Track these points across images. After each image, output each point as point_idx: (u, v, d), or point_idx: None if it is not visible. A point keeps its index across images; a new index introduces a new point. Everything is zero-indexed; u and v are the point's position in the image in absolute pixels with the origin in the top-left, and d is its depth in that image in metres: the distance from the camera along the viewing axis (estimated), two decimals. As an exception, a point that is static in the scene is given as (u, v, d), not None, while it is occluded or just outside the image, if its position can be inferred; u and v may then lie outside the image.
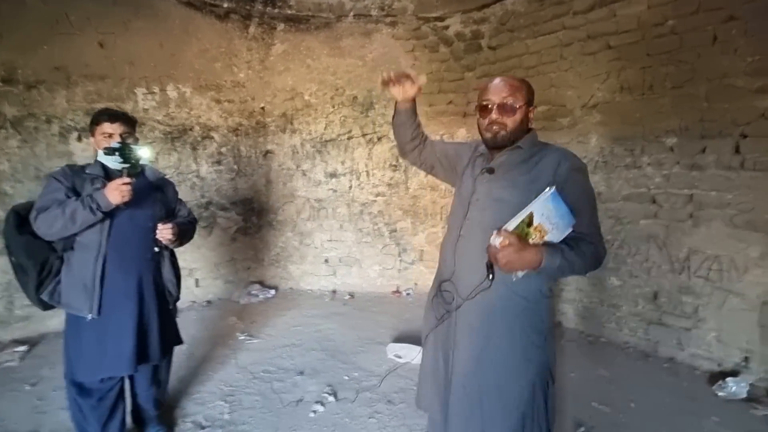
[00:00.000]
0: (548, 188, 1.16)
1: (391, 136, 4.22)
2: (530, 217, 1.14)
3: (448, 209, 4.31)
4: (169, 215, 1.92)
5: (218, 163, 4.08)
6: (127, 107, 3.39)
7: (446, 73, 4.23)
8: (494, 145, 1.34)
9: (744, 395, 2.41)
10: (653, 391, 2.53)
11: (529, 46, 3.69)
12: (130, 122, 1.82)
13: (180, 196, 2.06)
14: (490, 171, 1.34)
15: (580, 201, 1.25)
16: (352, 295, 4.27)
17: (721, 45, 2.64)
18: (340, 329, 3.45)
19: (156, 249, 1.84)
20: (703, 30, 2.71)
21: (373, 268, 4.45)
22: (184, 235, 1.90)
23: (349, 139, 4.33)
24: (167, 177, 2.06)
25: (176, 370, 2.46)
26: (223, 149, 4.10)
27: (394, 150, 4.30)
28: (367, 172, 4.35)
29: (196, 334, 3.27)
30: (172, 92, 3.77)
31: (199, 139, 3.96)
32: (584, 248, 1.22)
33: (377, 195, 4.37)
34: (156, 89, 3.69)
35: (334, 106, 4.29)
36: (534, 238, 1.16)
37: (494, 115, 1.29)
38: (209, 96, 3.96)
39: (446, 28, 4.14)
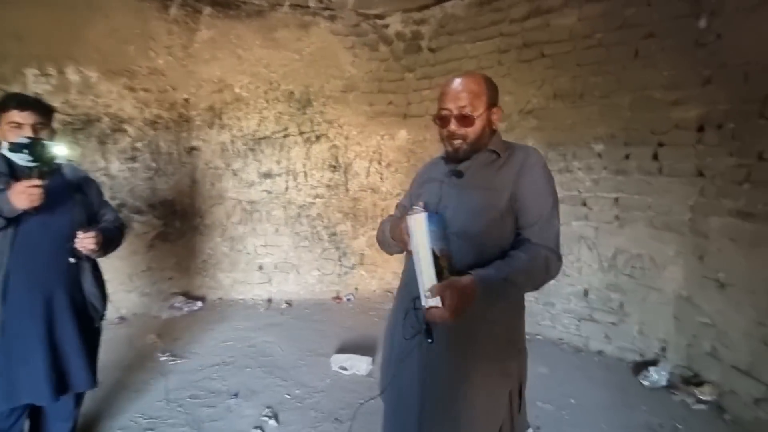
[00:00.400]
0: (419, 214, 1.04)
1: (331, 135, 4.08)
2: (433, 253, 1.02)
3: (389, 211, 4.24)
4: (91, 220, 1.65)
5: (132, 159, 3.58)
6: (14, 90, 2.82)
7: (386, 72, 4.15)
8: (455, 158, 1.25)
9: (664, 383, 2.62)
10: (589, 385, 2.65)
11: (468, 51, 3.73)
12: (44, 111, 1.53)
13: None
14: (458, 174, 1.24)
15: (536, 197, 1.17)
16: (289, 304, 4.01)
17: (642, 59, 2.86)
18: (278, 342, 3.19)
19: (72, 260, 1.56)
20: (626, 44, 2.92)
21: (312, 273, 4.22)
22: (109, 243, 1.64)
23: (285, 137, 4.06)
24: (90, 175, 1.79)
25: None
26: (139, 144, 3.60)
27: (334, 150, 4.14)
28: (305, 172, 4.12)
29: (106, 357, 2.76)
30: (72, 76, 3.22)
31: (108, 131, 3.44)
32: (528, 254, 1.10)
33: (315, 197, 4.16)
34: (52, 71, 3.13)
35: (268, 102, 3.99)
36: (446, 266, 1.04)
37: (453, 127, 1.19)
38: (120, 83, 3.46)
39: (386, 26, 4.06)
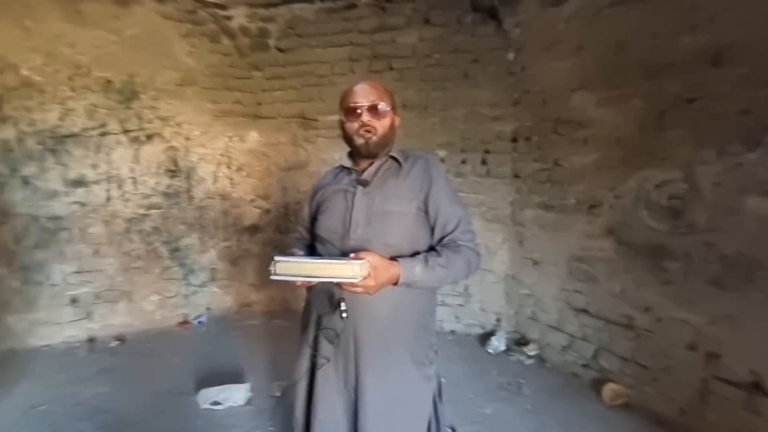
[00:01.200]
0: (275, 261, 1.09)
1: (166, 134, 3.52)
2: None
3: (242, 219, 3.92)
4: None
5: None
6: None
7: (231, 68, 3.80)
8: (366, 152, 1.24)
9: (503, 348, 3.20)
10: (451, 363, 3.00)
11: (320, 55, 3.74)
12: None
13: None
14: (364, 183, 1.25)
15: (451, 205, 1.24)
16: (121, 340, 3.27)
17: (470, 80, 3.40)
18: (118, 390, 2.57)
19: None
20: (458, 66, 3.42)
21: (150, 299, 3.55)
22: None
23: (102, 135, 3.28)
24: None
25: None
26: None
27: (171, 152, 3.57)
28: (134, 178, 3.42)
29: None
30: None
31: None
32: (457, 253, 1.18)
33: (150, 207, 3.50)
34: None
35: (74, 90, 3.15)
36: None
37: (365, 118, 1.21)
38: None
39: (229, 18, 3.71)
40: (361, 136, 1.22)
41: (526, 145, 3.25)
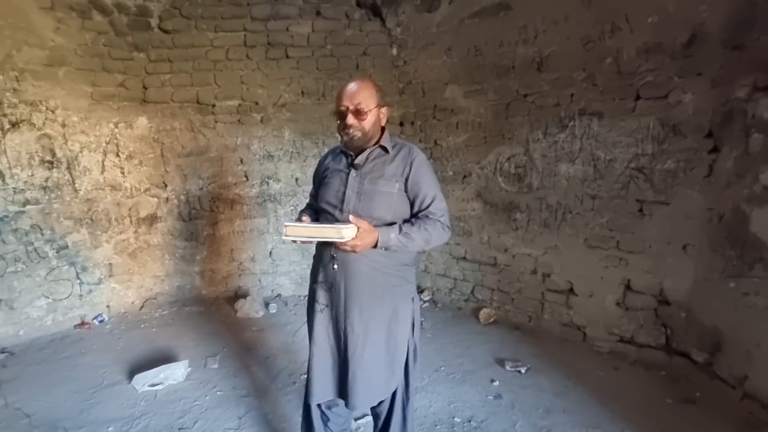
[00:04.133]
0: (286, 227, 1.36)
1: (37, 121, 3.25)
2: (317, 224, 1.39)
3: (138, 210, 3.81)
4: None
5: None
6: None
7: (108, 48, 3.52)
8: (352, 148, 1.49)
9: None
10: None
11: (212, 40, 3.73)
12: None
13: None
14: (356, 167, 1.49)
15: (427, 186, 1.48)
16: (9, 353, 2.96)
17: (362, 71, 3.83)
18: (32, 396, 2.42)
19: None
20: (350, 58, 3.82)
21: (36, 304, 3.22)
22: None
23: (-49, 123, 2.81)
24: None
25: None
26: None
27: (46, 140, 3.25)
28: (0, 171, 3.02)
29: None
30: None
31: None
32: (427, 224, 1.44)
33: (25, 203, 3.14)
34: None
35: None
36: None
37: (350, 120, 1.42)
38: None
39: (100, -8, 3.41)
40: (347, 134, 1.46)
41: (411, 128, 3.86)
